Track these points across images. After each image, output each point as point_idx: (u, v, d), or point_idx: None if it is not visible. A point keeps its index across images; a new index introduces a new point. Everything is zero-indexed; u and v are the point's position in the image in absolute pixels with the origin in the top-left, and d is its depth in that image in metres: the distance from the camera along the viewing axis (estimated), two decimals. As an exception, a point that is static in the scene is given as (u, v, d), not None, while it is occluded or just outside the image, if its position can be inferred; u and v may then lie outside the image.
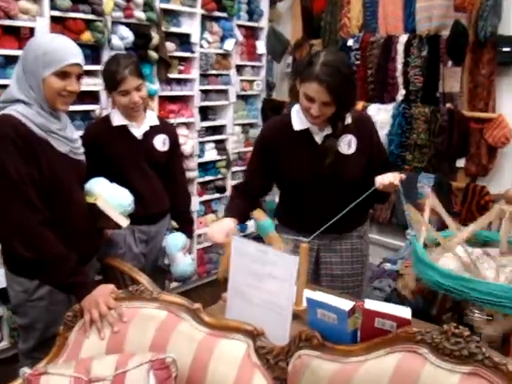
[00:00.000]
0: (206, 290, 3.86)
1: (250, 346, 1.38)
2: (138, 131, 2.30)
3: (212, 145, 3.93)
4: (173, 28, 3.39)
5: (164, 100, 3.47)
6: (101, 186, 1.90)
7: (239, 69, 4.00)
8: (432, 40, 3.25)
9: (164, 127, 2.41)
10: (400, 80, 3.44)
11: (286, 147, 1.95)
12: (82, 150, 1.83)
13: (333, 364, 1.28)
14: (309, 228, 1.88)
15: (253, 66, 4.13)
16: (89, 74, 2.83)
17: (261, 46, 4.10)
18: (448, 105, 3.26)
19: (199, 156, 3.78)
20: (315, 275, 2.06)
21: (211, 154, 3.92)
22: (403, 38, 3.37)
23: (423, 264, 1.50)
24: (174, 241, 2.39)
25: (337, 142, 1.90)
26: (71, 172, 1.75)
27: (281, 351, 1.36)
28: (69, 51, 1.62)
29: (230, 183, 4.10)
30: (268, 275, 1.47)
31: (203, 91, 3.71)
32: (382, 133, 3.40)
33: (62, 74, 1.62)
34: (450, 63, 3.22)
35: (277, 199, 2.55)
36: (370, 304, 1.30)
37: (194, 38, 3.50)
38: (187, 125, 3.64)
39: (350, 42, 3.66)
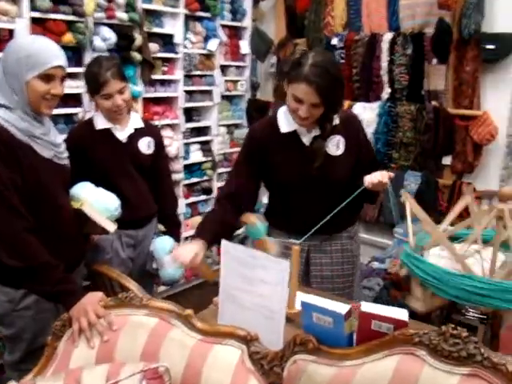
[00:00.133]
0: (195, 293, 3.82)
1: (244, 352, 1.36)
2: (122, 134, 2.26)
3: (197, 146, 3.89)
4: (155, 28, 3.34)
5: (148, 102, 3.43)
6: (86, 191, 1.86)
7: (223, 69, 3.97)
8: (416, 38, 3.24)
9: (149, 129, 2.37)
10: (385, 78, 3.43)
11: (273, 150, 1.92)
12: (66, 154, 1.79)
13: (329, 368, 1.26)
14: (299, 229, 1.86)
15: (237, 66, 4.10)
16: (71, 76, 2.78)
17: (244, 46, 4.07)
18: (433, 102, 3.27)
19: (184, 158, 3.74)
20: (305, 277, 2.04)
21: (196, 156, 3.88)
22: (387, 36, 3.36)
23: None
24: (162, 244, 2.35)
25: (325, 143, 1.88)
26: (55, 177, 1.71)
27: (275, 356, 1.34)
28: (52, 53, 1.58)
29: (216, 185, 4.07)
30: (259, 280, 1.45)
31: (187, 92, 3.68)
32: (368, 131, 3.40)
33: (46, 77, 1.57)
34: (434, 61, 3.22)
35: (264, 200, 2.53)
36: (367, 307, 1.28)
37: (178, 39, 3.46)
38: (172, 126, 3.60)
39: (335, 41, 3.64)
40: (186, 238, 3.84)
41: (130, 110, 2.30)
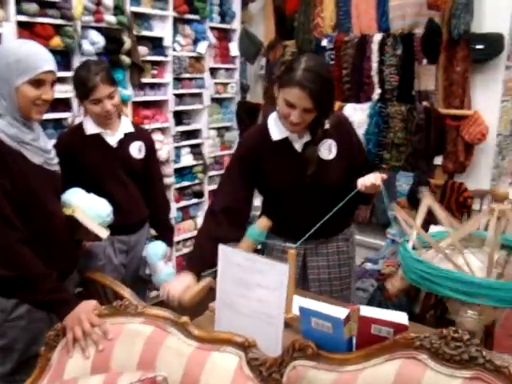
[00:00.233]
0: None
1: (242, 358, 1.34)
2: (112, 139, 2.23)
3: (188, 149, 3.87)
4: (144, 32, 3.31)
5: (138, 106, 3.40)
6: (78, 197, 1.83)
7: (213, 72, 3.95)
8: (406, 38, 3.25)
9: (139, 134, 2.34)
10: (375, 79, 3.43)
11: (265, 158, 1.89)
12: (56, 160, 1.76)
13: (329, 374, 1.24)
14: (294, 234, 1.84)
15: (226, 69, 4.08)
16: (60, 80, 2.72)
17: (234, 48, 4.05)
18: (425, 103, 3.27)
19: (175, 161, 3.71)
20: (303, 280, 2.02)
21: (187, 159, 3.85)
22: (377, 37, 3.37)
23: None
24: (155, 250, 2.33)
25: (317, 149, 1.86)
26: (46, 184, 1.68)
27: (274, 362, 1.32)
28: (42, 58, 1.55)
29: (208, 188, 4.05)
30: (257, 284, 1.43)
31: (177, 95, 3.65)
32: (359, 132, 3.40)
33: (37, 82, 1.54)
34: (424, 61, 3.23)
35: (255, 203, 2.50)
36: (366, 311, 1.27)
37: (167, 42, 3.43)
38: (162, 130, 3.57)
39: (324, 42, 3.65)
40: (178, 243, 3.82)
41: (120, 114, 2.27)
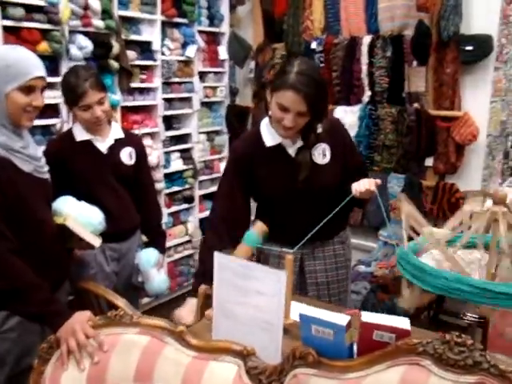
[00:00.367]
0: (180, 304, 3.74)
1: (241, 367, 1.31)
2: (102, 145, 2.20)
3: (177, 154, 3.84)
4: (133, 36, 3.28)
5: (127, 111, 3.36)
6: (69, 205, 1.80)
7: (202, 75, 3.92)
8: (395, 40, 3.26)
9: (130, 139, 2.31)
10: (365, 81, 3.43)
11: (259, 164, 1.88)
12: (46, 168, 1.72)
13: (331, 381, 1.22)
14: (290, 239, 1.83)
15: (215, 72, 4.06)
16: (48, 86, 2.68)
17: (223, 52, 4.03)
18: (415, 104, 3.28)
19: (165, 166, 3.68)
20: (301, 285, 2.01)
21: (177, 164, 3.82)
22: (367, 39, 3.37)
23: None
24: (147, 257, 2.31)
25: (310, 154, 1.85)
26: (37, 192, 1.64)
27: (274, 371, 1.29)
28: (32, 63, 1.52)
29: (198, 193, 4.02)
30: (255, 291, 1.41)
31: (166, 100, 3.62)
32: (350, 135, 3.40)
33: (27, 89, 1.51)
34: (414, 63, 3.24)
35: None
36: (368, 316, 1.24)
37: (155, 46, 3.41)
38: (151, 135, 3.54)
39: (314, 45, 3.64)
40: (169, 248, 3.78)
41: (110, 120, 2.24)
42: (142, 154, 2.35)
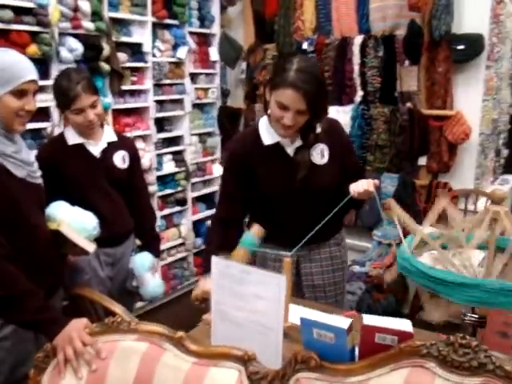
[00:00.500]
0: (174, 308, 3.73)
1: (242, 373, 1.29)
2: (95, 149, 2.17)
3: (170, 157, 3.80)
4: (123, 37, 3.24)
5: (118, 113, 3.32)
6: (63, 211, 1.77)
7: (193, 77, 3.89)
8: (387, 40, 3.25)
9: (123, 143, 2.29)
10: (357, 81, 3.43)
11: (257, 163, 1.86)
12: (39, 173, 1.70)
13: (334, 385, 1.21)
14: (286, 241, 1.81)
15: (207, 74, 4.03)
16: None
17: (214, 53, 4.00)
18: (408, 104, 3.28)
19: (157, 169, 3.64)
20: (297, 287, 1.99)
21: (169, 167, 3.79)
22: (358, 39, 3.36)
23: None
24: (141, 261, 2.28)
25: (309, 153, 1.83)
26: (30, 197, 1.61)
27: (276, 375, 1.27)
28: (24, 67, 1.49)
29: (191, 195, 3.99)
30: (254, 296, 1.39)
31: (158, 102, 3.59)
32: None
33: (19, 93, 1.48)
34: (406, 62, 3.24)
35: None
36: (369, 319, 1.23)
37: (146, 47, 3.37)
38: (143, 138, 3.51)
39: (305, 45, 3.62)
40: (162, 252, 3.74)
41: (102, 123, 2.21)
42: (135, 158, 2.32)
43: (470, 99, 3.16)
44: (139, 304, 3.37)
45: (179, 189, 3.87)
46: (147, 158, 3.46)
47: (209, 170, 4.14)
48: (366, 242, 3.70)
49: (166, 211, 3.80)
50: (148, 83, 3.47)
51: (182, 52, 3.64)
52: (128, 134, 3.22)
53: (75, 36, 2.90)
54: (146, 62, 3.41)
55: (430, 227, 1.82)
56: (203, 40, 3.97)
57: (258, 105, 3.99)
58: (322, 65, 3.55)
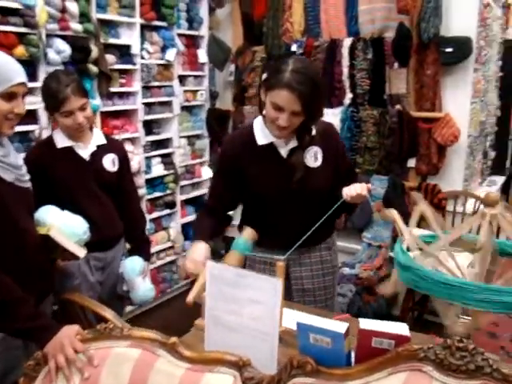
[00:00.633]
0: (164, 311, 3.70)
1: (237, 378, 1.27)
2: (84, 152, 2.14)
3: (158, 159, 3.77)
4: (112, 39, 3.22)
5: (106, 116, 3.29)
6: (52, 215, 1.74)
7: (182, 79, 3.87)
8: (376, 42, 3.27)
9: (112, 145, 2.26)
10: (346, 84, 3.44)
11: (250, 163, 1.85)
12: (27, 176, 1.66)
13: (331, 390, 1.20)
14: (277, 244, 1.80)
15: (195, 76, 4.01)
16: (25, 91, 2.63)
17: (202, 55, 3.99)
18: (397, 106, 3.29)
19: (146, 172, 3.62)
20: (286, 291, 1.97)
21: (158, 170, 3.76)
22: (347, 42, 3.37)
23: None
24: (132, 265, 2.25)
25: (303, 155, 1.82)
26: (19, 202, 1.58)
27: (271, 381, 1.26)
28: (13, 69, 1.46)
29: (180, 198, 3.97)
30: (249, 300, 1.38)
31: (146, 104, 3.56)
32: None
33: (9, 96, 1.45)
34: (395, 65, 3.25)
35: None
36: (366, 323, 1.22)
37: (135, 49, 3.35)
38: (132, 140, 3.48)
39: (294, 48, 3.63)
40: (152, 255, 3.71)
41: (91, 126, 2.18)
42: (124, 161, 2.30)
43: (458, 101, 3.19)
44: (128, 308, 3.34)
45: (168, 192, 3.85)
46: (136, 160, 3.43)
47: (197, 173, 4.12)
48: (355, 244, 3.70)
49: (155, 214, 3.77)
50: (136, 85, 3.44)
51: (170, 54, 3.62)
52: (116, 137, 3.18)
53: (63, 37, 2.87)
54: (134, 64, 3.39)
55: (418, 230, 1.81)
56: (192, 42, 3.95)
57: (246, 107, 3.99)
58: (311, 67, 3.56)
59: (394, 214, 1.58)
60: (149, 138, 3.62)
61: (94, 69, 3.01)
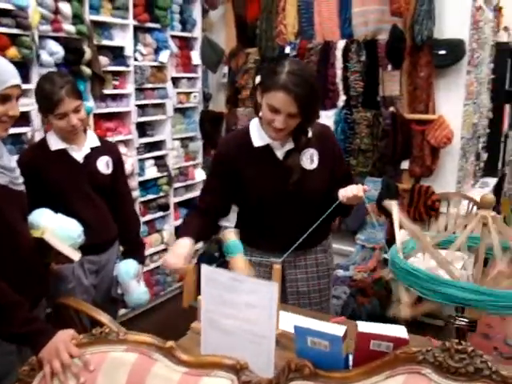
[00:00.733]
0: (157, 314, 3.68)
1: (235, 382, 1.26)
2: (78, 154, 2.13)
3: (152, 162, 3.76)
4: (105, 41, 3.20)
5: (99, 118, 3.27)
6: (46, 218, 1.72)
7: (175, 81, 3.86)
8: (370, 45, 3.28)
9: (106, 148, 2.25)
10: (340, 86, 3.44)
11: (245, 165, 1.84)
12: (21, 179, 1.64)
13: (329, 394, 1.19)
14: (273, 246, 1.80)
15: (189, 78, 4.00)
16: (18, 93, 2.60)
17: (196, 57, 3.98)
18: (391, 108, 3.30)
19: (139, 174, 3.60)
20: (282, 293, 1.96)
21: (151, 172, 3.74)
22: (341, 44, 3.38)
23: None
24: (126, 268, 2.24)
25: (299, 157, 1.82)
26: (13, 205, 1.56)
27: (268, 384, 1.26)
28: (8, 71, 1.44)
29: (173, 200, 3.95)
30: (245, 304, 1.37)
31: (139, 106, 3.54)
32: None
33: (3, 98, 1.44)
34: (389, 67, 3.26)
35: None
36: (364, 326, 1.22)
37: (128, 51, 3.33)
38: (125, 142, 3.46)
39: (287, 50, 3.63)
40: (145, 257, 3.69)
41: (85, 128, 2.17)
42: (118, 163, 2.28)
43: (451, 104, 3.20)
44: (122, 311, 3.32)
45: (161, 194, 3.83)
46: (129, 163, 3.41)
47: (191, 175, 4.11)
48: (349, 246, 3.70)
49: (148, 217, 3.75)
50: (130, 87, 3.43)
51: (164, 56, 3.61)
52: (109, 139, 3.16)
53: (56, 39, 2.85)
54: (127, 65, 3.37)
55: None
56: (185, 44, 3.94)
57: (239, 109, 3.99)
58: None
59: (393, 205, 1.58)
60: (142, 140, 3.60)
61: (87, 71, 2.99)
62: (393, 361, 1.15)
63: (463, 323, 1.54)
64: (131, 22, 3.34)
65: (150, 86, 3.59)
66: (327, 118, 3.50)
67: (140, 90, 3.53)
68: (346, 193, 1.70)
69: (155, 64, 3.60)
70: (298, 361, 1.23)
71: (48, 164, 2.07)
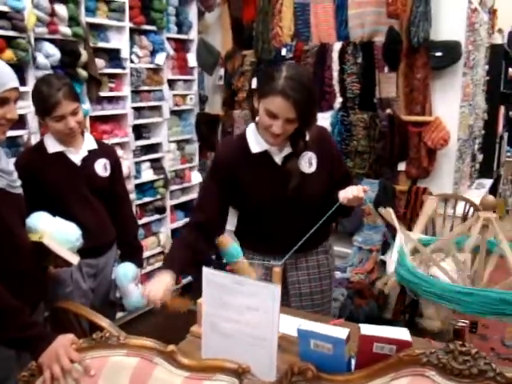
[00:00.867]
0: (154, 317, 3.66)
1: (237, 386, 1.26)
2: (76, 157, 2.11)
3: (148, 164, 3.75)
4: (101, 43, 3.19)
5: (95, 120, 3.26)
6: (44, 222, 1.71)
7: (171, 83, 3.85)
8: (366, 46, 3.28)
9: (103, 150, 2.23)
10: (337, 88, 3.45)
11: (244, 171, 1.82)
12: (19, 182, 1.63)
13: (332, 397, 1.19)
14: (274, 250, 1.79)
15: (185, 80, 4.00)
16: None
17: (192, 59, 3.97)
18: (388, 110, 3.30)
19: (136, 177, 3.59)
20: (283, 296, 1.96)
21: (148, 174, 3.73)
22: (337, 46, 3.38)
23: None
24: (124, 271, 2.22)
25: (298, 161, 1.81)
26: (11, 208, 1.55)
27: (272, 388, 1.25)
28: (6, 73, 1.43)
29: (170, 203, 3.94)
30: (247, 307, 1.36)
31: (136, 109, 3.53)
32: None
33: (1, 101, 1.43)
34: (385, 69, 3.27)
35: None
36: (367, 329, 1.22)
37: (124, 53, 3.32)
38: (121, 145, 3.45)
39: (284, 52, 3.63)
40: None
41: (83, 131, 2.16)
42: (116, 166, 2.27)
43: (448, 105, 3.21)
44: (119, 314, 3.30)
45: (158, 197, 3.82)
46: (125, 165, 3.39)
47: (187, 178, 4.10)
48: (346, 248, 3.70)
49: (145, 220, 3.74)
50: (126, 90, 3.42)
51: (160, 58, 3.60)
52: (106, 142, 3.15)
53: (52, 41, 2.83)
54: (123, 68, 3.36)
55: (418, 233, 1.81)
56: (181, 46, 3.94)
57: (236, 111, 3.98)
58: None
59: (390, 213, 1.58)
60: (138, 143, 3.59)
61: (83, 73, 2.98)
62: (396, 363, 1.15)
63: (465, 325, 1.54)
64: (127, 24, 3.33)
65: (146, 88, 3.58)
66: (324, 119, 3.50)
67: (136, 93, 3.52)
68: (347, 194, 1.70)
69: (151, 66, 3.60)
70: (301, 364, 1.22)
71: (45, 167, 2.06)
